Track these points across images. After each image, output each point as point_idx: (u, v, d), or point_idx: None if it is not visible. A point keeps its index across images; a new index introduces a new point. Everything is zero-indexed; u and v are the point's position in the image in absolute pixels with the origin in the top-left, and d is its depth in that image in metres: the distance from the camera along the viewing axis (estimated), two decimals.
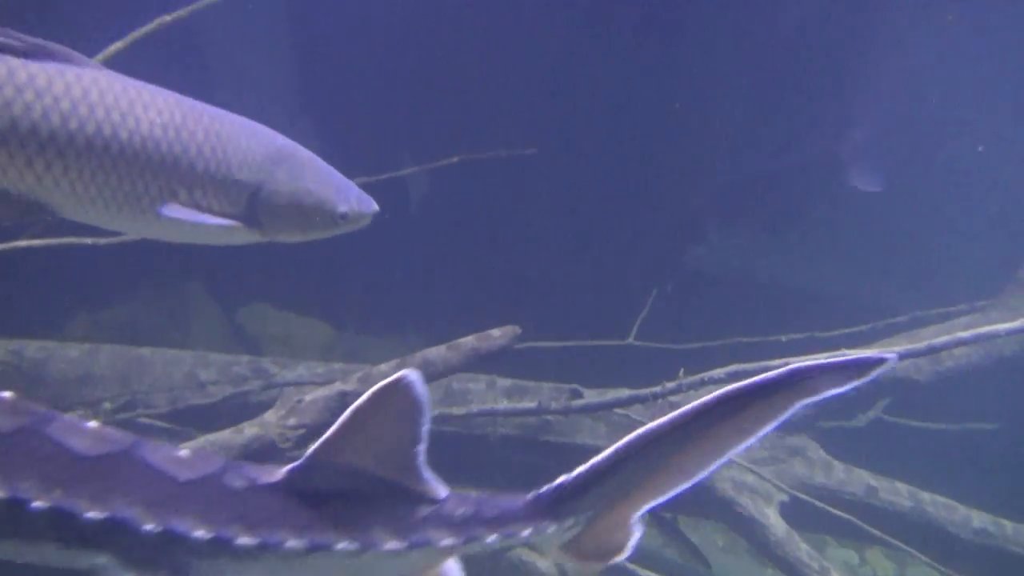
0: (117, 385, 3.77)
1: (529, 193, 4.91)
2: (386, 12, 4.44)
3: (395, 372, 3.04)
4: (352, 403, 2.96)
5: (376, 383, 3.01)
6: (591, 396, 3.84)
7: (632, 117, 4.95)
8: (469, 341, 3.04)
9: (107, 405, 3.64)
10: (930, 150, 5.02)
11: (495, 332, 3.04)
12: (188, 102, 1.73)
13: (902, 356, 3.10)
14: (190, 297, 5.81)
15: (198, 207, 1.70)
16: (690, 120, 5.07)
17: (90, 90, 1.59)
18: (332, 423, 2.94)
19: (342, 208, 1.84)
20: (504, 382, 4.10)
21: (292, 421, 2.89)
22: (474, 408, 3.62)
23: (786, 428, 3.99)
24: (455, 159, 3.31)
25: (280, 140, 1.83)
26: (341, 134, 4.83)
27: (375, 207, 1.90)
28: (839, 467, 3.92)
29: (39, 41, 1.58)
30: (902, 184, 5.04)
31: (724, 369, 3.21)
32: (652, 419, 3.89)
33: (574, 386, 3.89)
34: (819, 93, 5.04)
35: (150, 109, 1.64)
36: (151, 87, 1.70)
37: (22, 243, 2.54)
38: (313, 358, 5.65)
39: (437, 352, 3.05)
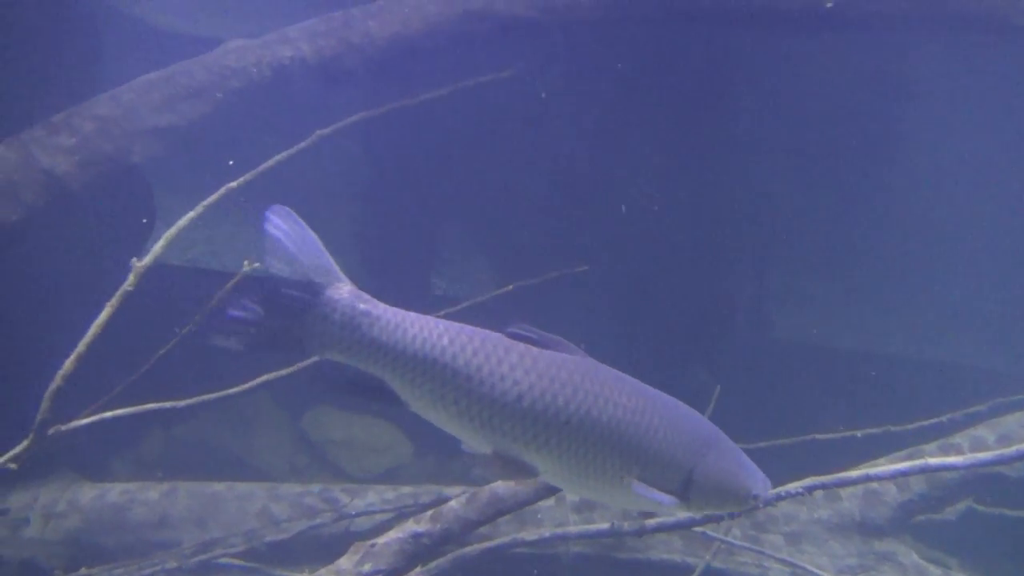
0: (194, 526, 3.85)
1: (590, 295, 4.97)
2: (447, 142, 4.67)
3: (466, 509, 3.06)
4: (426, 544, 2.98)
5: (447, 521, 3.02)
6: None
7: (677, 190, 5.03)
8: None
9: (185, 548, 3.72)
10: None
11: None
12: (646, 389, 2.05)
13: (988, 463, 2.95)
14: (258, 407, 5.95)
15: (643, 481, 2.01)
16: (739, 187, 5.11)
17: (584, 378, 1.96)
18: (408, 567, 2.98)
19: (755, 491, 2.09)
20: (572, 497, 4.05)
21: (367, 567, 2.90)
22: (546, 533, 3.57)
23: (874, 531, 3.82)
24: (510, 287, 3.41)
25: (708, 426, 2.13)
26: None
27: (771, 487, 2.15)
28: (935, 573, 3.72)
29: (550, 336, 1.97)
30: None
31: (801, 483, 3.11)
32: (727, 531, 3.76)
33: None
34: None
35: (623, 395, 1.98)
36: (619, 374, 2.04)
37: (111, 413, 2.67)
38: (376, 463, 5.67)
39: (506, 487, 3.05)
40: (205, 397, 2.91)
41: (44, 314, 3.41)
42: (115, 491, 3.98)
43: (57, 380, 2.47)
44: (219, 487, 4.09)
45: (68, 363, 2.47)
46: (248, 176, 3.09)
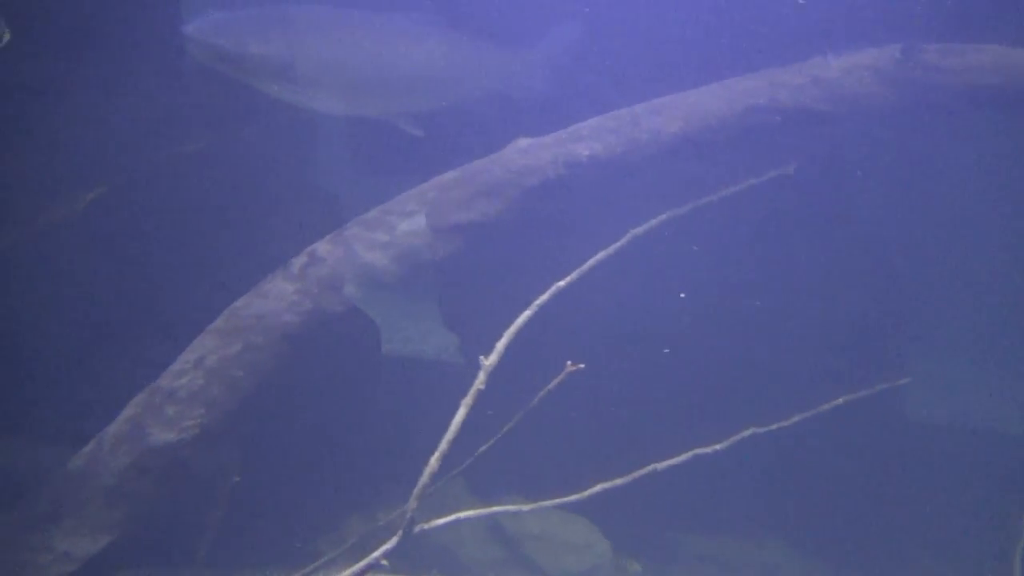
0: None
1: None
2: None
3: None
4: None
5: None
6: None
7: None
8: None
9: None
10: None
11: None
12: None
13: None
14: (456, 495, 5.88)
15: None
16: None
17: None
18: None
19: None
20: None
21: None
22: None
23: None
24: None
25: None
26: None
27: None
28: None
29: None
30: None
31: None
32: None
33: None
34: None
35: None
36: None
37: (465, 514, 2.63)
38: (575, 561, 5.39)
39: None
40: (524, 507, 2.78)
41: (364, 402, 3.53)
42: None
43: (424, 478, 2.47)
44: None
45: (433, 461, 2.47)
46: (574, 275, 3.08)
